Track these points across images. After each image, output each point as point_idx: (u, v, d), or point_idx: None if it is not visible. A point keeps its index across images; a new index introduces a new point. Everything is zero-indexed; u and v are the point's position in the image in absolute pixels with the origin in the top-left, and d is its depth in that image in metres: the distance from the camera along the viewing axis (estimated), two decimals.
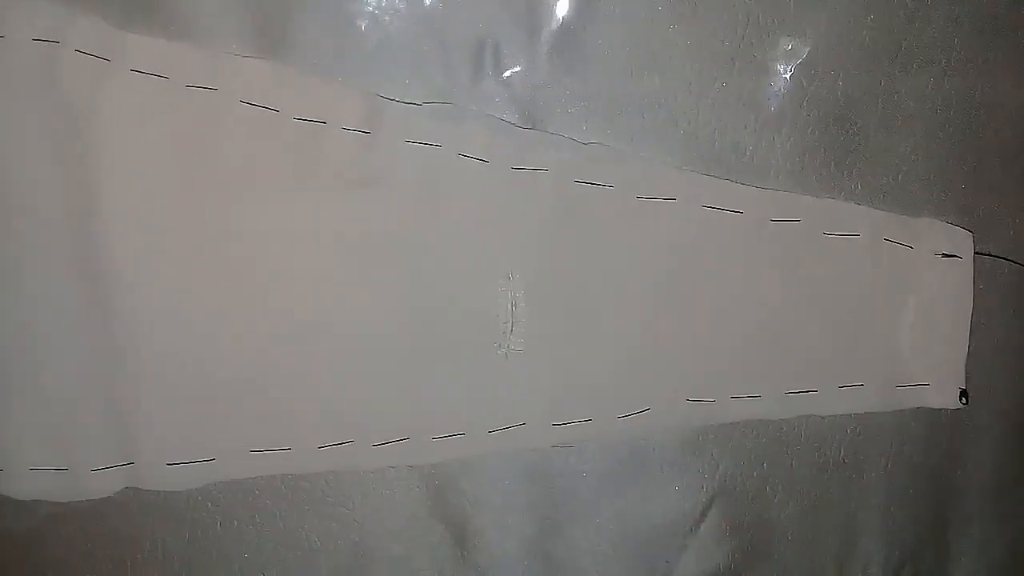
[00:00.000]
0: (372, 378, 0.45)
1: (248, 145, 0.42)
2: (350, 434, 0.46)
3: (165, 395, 0.43)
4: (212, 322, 0.43)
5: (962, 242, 0.49)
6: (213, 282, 0.43)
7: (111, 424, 0.43)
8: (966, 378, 0.50)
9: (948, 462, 0.54)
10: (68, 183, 0.41)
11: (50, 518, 0.46)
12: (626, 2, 0.46)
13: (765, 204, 0.48)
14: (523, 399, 0.47)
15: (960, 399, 0.50)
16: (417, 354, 0.45)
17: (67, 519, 0.46)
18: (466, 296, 0.46)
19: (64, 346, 0.42)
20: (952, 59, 0.49)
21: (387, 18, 0.44)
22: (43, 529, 0.46)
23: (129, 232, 0.41)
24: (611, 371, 0.47)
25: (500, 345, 0.46)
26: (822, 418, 0.51)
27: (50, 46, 0.39)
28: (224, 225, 0.43)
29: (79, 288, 0.42)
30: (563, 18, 0.45)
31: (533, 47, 0.45)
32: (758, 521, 0.52)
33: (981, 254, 0.50)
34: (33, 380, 0.42)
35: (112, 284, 0.42)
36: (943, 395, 0.50)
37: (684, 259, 0.47)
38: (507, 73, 0.45)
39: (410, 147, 0.44)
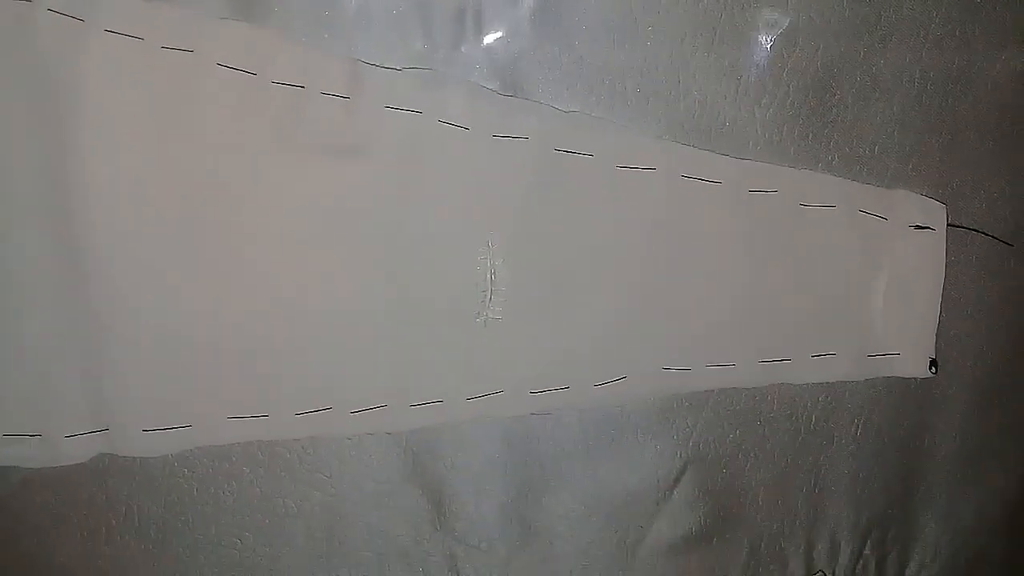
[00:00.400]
0: (350, 345, 0.45)
1: (225, 109, 0.42)
2: (328, 401, 0.46)
3: (141, 361, 0.43)
4: (189, 288, 0.43)
5: (935, 214, 0.50)
6: (191, 248, 0.42)
7: (86, 390, 0.43)
8: (936, 348, 0.51)
9: (916, 430, 0.55)
10: (45, 145, 0.40)
11: (24, 484, 0.45)
12: None
13: (744, 174, 0.48)
14: (501, 367, 0.47)
15: (930, 368, 0.51)
16: (396, 321, 0.45)
17: (41, 485, 0.46)
18: (445, 264, 0.45)
19: (39, 311, 0.41)
20: (930, 33, 0.49)
21: None
22: (17, 495, 0.46)
23: (106, 196, 0.41)
24: (589, 340, 0.48)
25: (479, 313, 0.46)
26: (794, 386, 0.52)
27: (24, 5, 0.38)
28: (202, 190, 0.42)
29: (55, 253, 0.41)
30: None
31: (515, 13, 0.45)
32: (730, 487, 0.53)
33: (954, 226, 0.50)
34: (6, 346, 0.42)
35: (88, 249, 0.41)
36: (913, 364, 0.51)
37: (663, 228, 0.47)
38: (488, 39, 0.45)
39: (390, 113, 0.43)
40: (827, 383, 0.52)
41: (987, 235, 0.52)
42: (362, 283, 0.45)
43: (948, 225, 0.50)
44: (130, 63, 0.40)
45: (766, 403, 0.52)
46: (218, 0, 0.41)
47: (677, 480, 0.52)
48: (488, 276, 0.46)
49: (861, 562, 0.56)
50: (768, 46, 0.47)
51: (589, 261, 0.47)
